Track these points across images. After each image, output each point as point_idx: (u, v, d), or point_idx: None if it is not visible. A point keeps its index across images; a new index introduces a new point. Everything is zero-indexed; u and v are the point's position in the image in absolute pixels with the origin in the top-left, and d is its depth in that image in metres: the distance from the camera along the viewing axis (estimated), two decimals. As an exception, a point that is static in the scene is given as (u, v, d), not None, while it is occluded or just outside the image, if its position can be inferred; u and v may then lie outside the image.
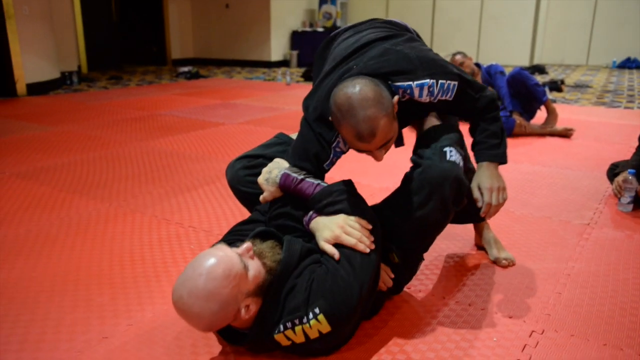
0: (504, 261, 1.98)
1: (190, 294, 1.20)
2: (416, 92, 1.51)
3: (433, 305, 1.71)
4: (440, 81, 1.52)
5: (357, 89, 1.38)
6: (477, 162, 1.68)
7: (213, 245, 1.56)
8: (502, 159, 1.68)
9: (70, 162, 3.45)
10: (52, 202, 2.68)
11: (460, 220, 2.05)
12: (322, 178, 1.60)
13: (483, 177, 1.64)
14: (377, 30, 1.69)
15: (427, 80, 1.50)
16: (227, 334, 1.39)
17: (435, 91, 1.52)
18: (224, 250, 1.29)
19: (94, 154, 3.69)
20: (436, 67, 1.54)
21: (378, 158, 1.48)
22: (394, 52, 1.54)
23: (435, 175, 1.47)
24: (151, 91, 7.09)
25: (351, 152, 1.62)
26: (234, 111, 5.47)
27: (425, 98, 1.53)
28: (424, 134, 1.65)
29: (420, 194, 1.49)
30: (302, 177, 1.52)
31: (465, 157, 1.71)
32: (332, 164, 1.60)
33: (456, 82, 1.55)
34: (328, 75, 1.60)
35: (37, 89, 6.68)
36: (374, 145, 1.41)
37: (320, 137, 1.55)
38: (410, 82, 1.50)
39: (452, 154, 1.52)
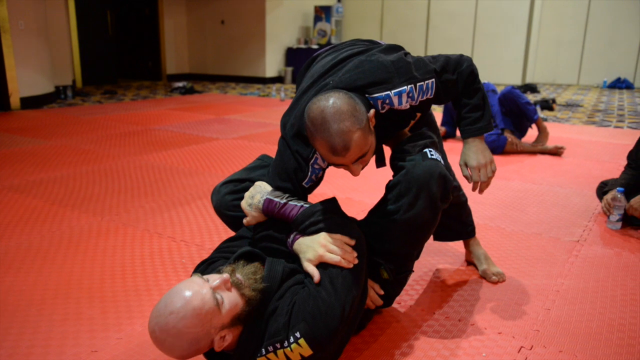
0: (493, 277, 1.99)
1: (161, 330, 1.21)
2: (395, 101, 1.51)
3: (423, 320, 1.71)
4: (419, 84, 1.52)
5: (330, 102, 1.37)
6: (463, 139, 1.70)
7: (200, 264, 1.56)
8: (486, 130, 1.69)
9: (63, 176, 3.45)
10: (44, 216, 2.68)
11: (449, 237, 2.07)
12: (304, 197, 1.59)
13: (469, 155, 1.67)
14: (356, 47, 1.67)
15: (405, 87, 1.50)
16: (212, 355, 1.38)
17: (416, 95, 1.52)
18: (197, 286, 1.26)
19: (87, 167, 3.69)
20: (412, 70, 1.53)
21: (355, 173, 1.46)
22: (369, 62, 1.53)
23: (420, 173, 1.47)
24: (145, 106, 7.11)
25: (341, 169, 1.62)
26: (228, 126, 5.50)
27: (405, 105, 1.53)
28: (398, 144, 1.64)
29: (409, 195, 1.48)
30: (284, 201, 1.50)
31: (443, 157, 1.73)
32: (312, 181, 1.57)
33: (433, 79, 1.55)
34: (305, 92, 1.59)
35: (31, 102, 6.69)
36: (349, 159, 1.40)
37: (297, 154, 1.53)
38: (388, 92, 1.49)
39: (433, 153, 1.53)
